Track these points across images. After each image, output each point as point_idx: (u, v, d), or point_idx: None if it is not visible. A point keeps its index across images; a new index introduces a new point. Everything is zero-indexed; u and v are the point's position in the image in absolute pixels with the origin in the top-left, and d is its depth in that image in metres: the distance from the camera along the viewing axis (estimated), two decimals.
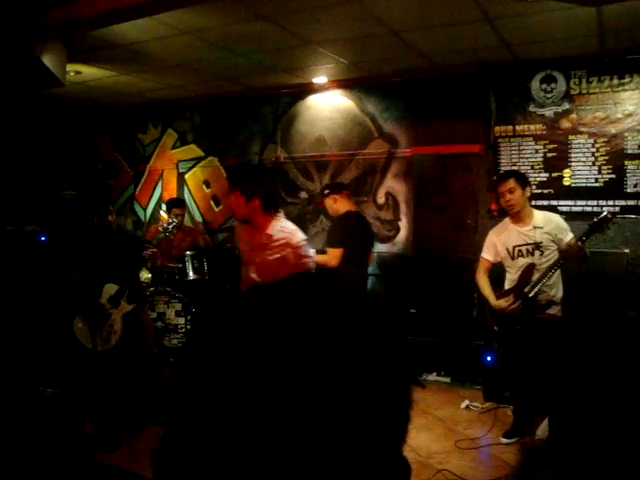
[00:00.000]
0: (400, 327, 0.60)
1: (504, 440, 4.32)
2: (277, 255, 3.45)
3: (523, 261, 4.25)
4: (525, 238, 4.25)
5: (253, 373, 0.51)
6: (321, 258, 5.31)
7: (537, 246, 4.20)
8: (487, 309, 4.45)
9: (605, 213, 4.04)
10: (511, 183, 4.20)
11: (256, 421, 0.50)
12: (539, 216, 4.27)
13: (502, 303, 4.26)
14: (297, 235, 3.53)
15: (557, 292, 4.23)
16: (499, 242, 4.40)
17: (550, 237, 4.20)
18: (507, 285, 4.38)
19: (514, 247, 4.29)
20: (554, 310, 4.21)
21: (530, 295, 4.15)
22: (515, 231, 4.30)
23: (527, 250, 4.25)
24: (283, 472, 0.49)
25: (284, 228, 3.52)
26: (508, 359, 4.50)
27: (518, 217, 4.28)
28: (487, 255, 4.49)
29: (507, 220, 4.40)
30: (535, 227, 4.22)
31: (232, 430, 0.50)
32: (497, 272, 4.47)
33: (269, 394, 0.50)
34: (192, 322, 5.60)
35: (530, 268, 4.21)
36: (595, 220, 4.00)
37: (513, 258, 4.31)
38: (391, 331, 0.59)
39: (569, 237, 4.19)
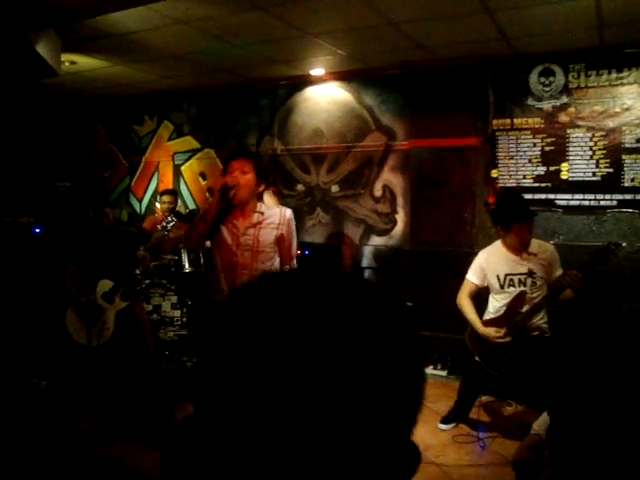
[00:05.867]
0: (412, 317, 0.60)
1: (442, 426, 4.38)
2: (271, 230, 3.45)
3: (513, 290, 4.07)
4: (518, 267, 4.06)
5: (265, 362, 0.51)
6: None
7: (530, 274, 4.03)
8: (468, 336, 4.26)
9: (608, 244, 3.83)
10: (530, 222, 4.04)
11: (266, 411, 0.50)
12: (533, 243, 4.09)
13: (492, 332, 4.02)
14: (289, 210, 3.59)
15: (545, 317, 4.12)
16: (489, 268, 4.18)
17: (543, 267, 4.04)
18: (492, 311, 4.20)
19: (506, 275, 4.09)
20: (543, 329, 4.12)
21: (520, 326, 3.99)
22: (508, 258, 4.11)
23: (519, 280, 4.06)
24: (291, 455, 0.49)
25: (271, 206, 3.56)
26: (478, 385, 4.42)
27: (517, 247, 4.10)
28: (473, 278, 4.24)
29: (499, 244, 4.21)
30: (529, 253, 4.05)
31: (247, 415, 0.50)
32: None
33: (280, 383, 0.50)
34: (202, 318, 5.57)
35: (521, 297, 4.01)
36: (597, 251, 3.82)
37: (503, 287, 4.11)
38: (404, 317, 0.59)
39: (559, 271, 4.04)
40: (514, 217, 4.00)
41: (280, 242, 3.47)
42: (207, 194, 7.44)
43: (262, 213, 3.47)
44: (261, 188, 3.46)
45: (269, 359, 0.50)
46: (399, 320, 0.57)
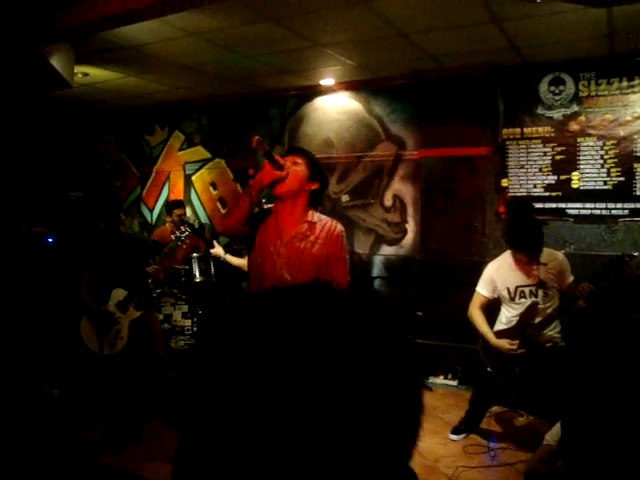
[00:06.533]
0: (409, 331, 0.59)
1: (452, 436, 4.35)
2: (318, 247, 2.89)
3: (525, 302, 4.05)
4: (528, 278, 4.04)
5: (259, 379, 0.51)
6: (236, 260, 5.25)
7: (541, 285, 4.01)
8: (480, 346, 4.25)
9: (621, 255, 3.80)
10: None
11: (261, 427, 0.49)
12: (543, 252, 4.05)
13: (505, 344, 4.00)
14: (339, 225, 3.02)
15: (558, 327, 4.10)
16: (499, 280, 4.16)
17: (553, 276, 4.01)
18: (504, 322, 4.18)
19: (516, 287, 4.08)
20: (556, 340, 4.10)
21: (533, 337, 3.97)
22: (518, 270, 4.09)
23: (530, 291, 4.04)
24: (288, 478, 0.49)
25: (323, 217, 3.02)
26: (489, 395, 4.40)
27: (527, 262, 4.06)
28: (483, 290, 4.23)
29: (508, 255, 4.18)
30: (539, 263, 4.02)
31: (239, 434, 0.50)
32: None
33: (275, 399, 0.50)
34: (199, 324, 5.58)
35: (533, 308, 4.00)
36: (611, 262, 3.77)
37: (513, 299, 4.09)
38: (400, 337, 0.58)
39: (570, 279, 4.04)
40: (525, 245, 3.97)
41: (324, 263, 2.89)
42: (218, 204, 7.46)
43: (313, 223, 2.94)
44: (314, 186, 2.96)
45: (265, 375, 0.51)
46: (393, 334, 0.57)
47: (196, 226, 4.79)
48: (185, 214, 6.49)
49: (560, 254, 4.19)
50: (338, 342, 0.52)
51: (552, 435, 2.90)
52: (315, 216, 2.98)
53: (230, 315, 0.58)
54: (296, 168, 2.92)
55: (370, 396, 0.51)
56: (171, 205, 6.46)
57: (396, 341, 0.57)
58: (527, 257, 4.00)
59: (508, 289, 4.12)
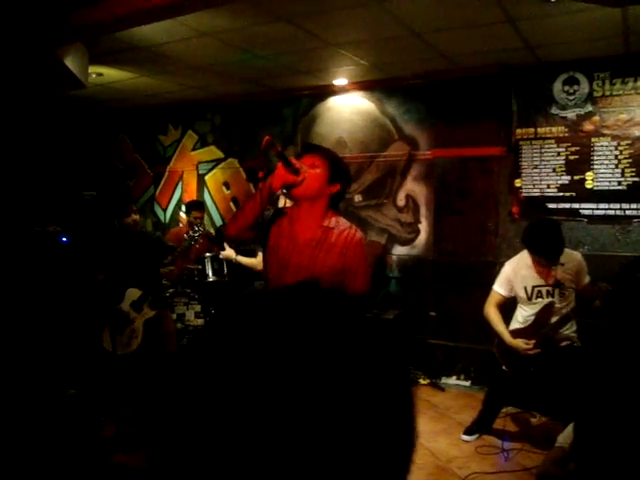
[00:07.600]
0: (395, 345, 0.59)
1: (465, 437, 4.34)
2: (335, 256, 2.69)
3: (541, 301, 4.06)
4: (546, 279, 4.05)
5: (250, 379, 0.51)
6: (247, 261, 5.21)
7: (557, 285, 4.01)
8: (496, 345, 4.25)
9: (639, 257, 3.78)
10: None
11: (250, 428, 0.49)
12: None
13: (521, 344, 4.00)
14: (359, 232, 2.80)
15: (574, 326, 4.10)
16: (516, 280, 4.16)
17: (570, 277, 4.01)
18: (520, 321, 4.18)
19: (533, 287, 4.09)
20: (572, 340, 4.10)
21: (549, 336, 3.98)
22: (535, 270, 4.09)
23: (547, 291, 4.05)
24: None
25: (341, 223, 2.79)
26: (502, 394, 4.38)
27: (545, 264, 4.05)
28: (501, 289, 4.23)
29: (526, 255, 4.15)
30: (557, 264, 4.00)
31: (226, 433, 0.50)
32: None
33: (264, 400, 0.50)
34: (206, 324, 5.59)
35: (550, 308, 4.01)
36: (628, 263, 3.76)
37: (530, 298, 4.10)
38: (386, 342, 0.58)
39: (587, 279, 4.04)
40: (545, 254, 3.95)
41: (340, 272, 2.69)
42: (231, 204, 7.49)
43: (330, 229, 2.73)
44: (334, 189, 2.74)
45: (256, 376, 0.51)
46: (380, 339, 0.57)
47: (212, 232, 4.76)
48: (203, 217, 6.44)
49: (578, 254, 4.18)
50: (325, 345, 0.53)
51: (564, 437, 2.89)
52: (332, 221, 2.76)
53: (229, 315, 0.59)
54: (314, 172, 2.69)
55: (357, 405, 0.51)
56: (190, 206, 6.38)
57: (382, 346, 0.57)
58: (546, 261, 3.99)
59: (525, 288, 4.11)
